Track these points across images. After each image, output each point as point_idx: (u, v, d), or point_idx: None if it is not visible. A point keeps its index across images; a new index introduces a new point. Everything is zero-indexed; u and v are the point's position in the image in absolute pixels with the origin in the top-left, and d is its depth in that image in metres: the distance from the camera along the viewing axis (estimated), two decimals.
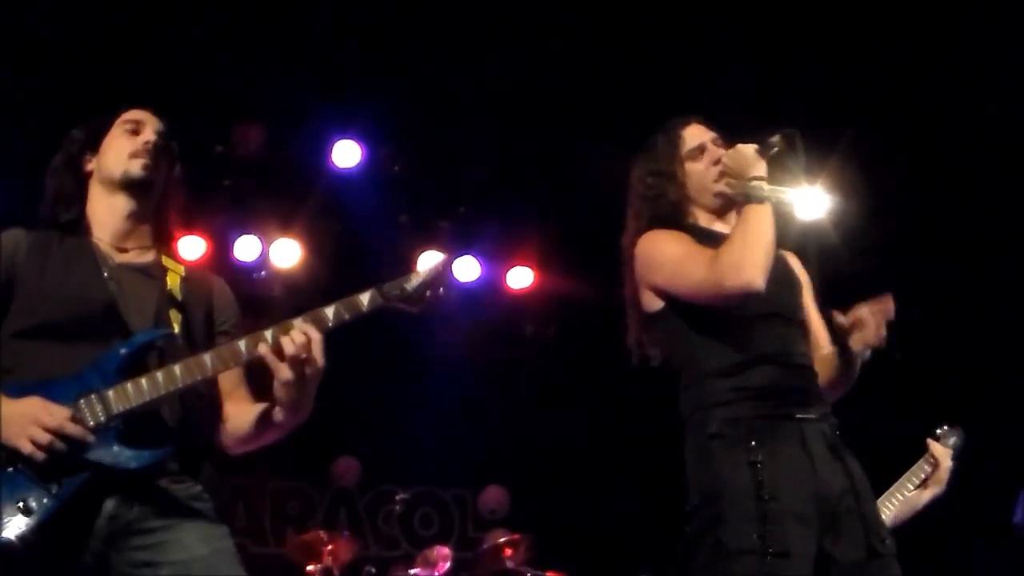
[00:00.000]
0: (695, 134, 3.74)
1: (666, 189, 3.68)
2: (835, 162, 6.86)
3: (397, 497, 7.85)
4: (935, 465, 5.48)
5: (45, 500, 2.84)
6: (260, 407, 3.20)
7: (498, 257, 8.59)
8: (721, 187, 3.62)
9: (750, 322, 3.46)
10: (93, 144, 3.35)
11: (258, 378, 3.18)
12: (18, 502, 2.82)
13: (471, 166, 8.07)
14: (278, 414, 3.09)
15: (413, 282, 3.10)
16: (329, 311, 3.04)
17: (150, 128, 3.34)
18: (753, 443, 3.29)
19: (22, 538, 2.79)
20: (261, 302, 7.77)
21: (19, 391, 2.93)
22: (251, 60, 6.74)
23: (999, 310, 7.72)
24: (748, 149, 3.51)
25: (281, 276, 8.04)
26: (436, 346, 8.47)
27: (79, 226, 3.29)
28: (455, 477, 9.56)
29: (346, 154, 7.76)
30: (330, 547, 7.17)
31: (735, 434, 3.34)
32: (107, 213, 3.30)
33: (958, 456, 5.49)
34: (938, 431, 5.58)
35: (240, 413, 3.24)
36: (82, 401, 2.92)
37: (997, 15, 6.35)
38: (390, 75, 7.04)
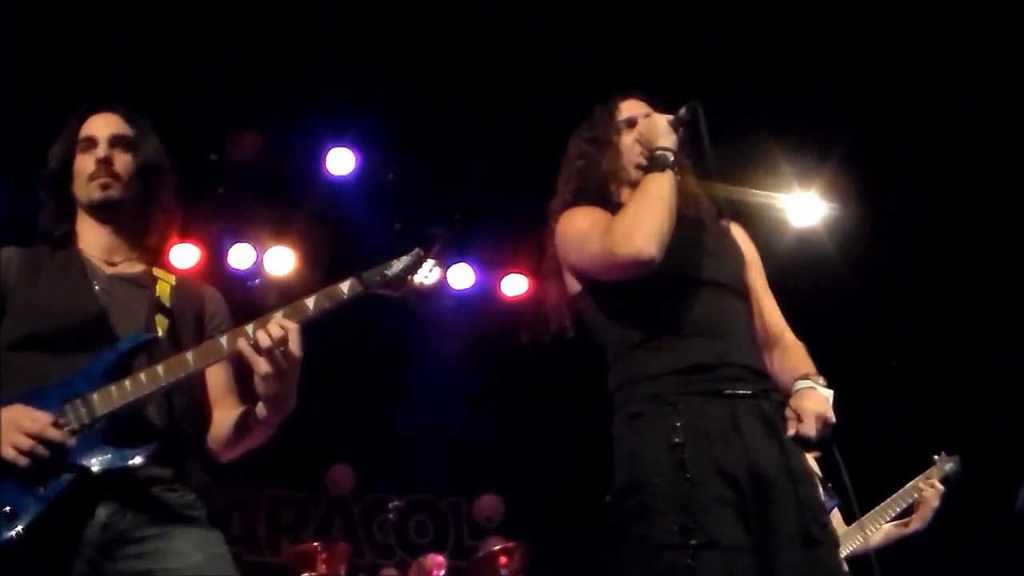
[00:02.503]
0: (630, 107, 3.68)
1: (598, 157, 3.63)
2: (831, 168, 6.88)
3: (391, 505, 7.84)
4: (922, 500, 5.46)
5: (31, 504, 2.82)
6: (244, 407, 3.20)
7: (493, 264, 8.59)
8: (640, 159, 3.53)
9: (678, 289, 3.36)
10: (69, 164, 3.31)
11: (248, 384, 3.16)
12: (5, 508, 2.81)
13: (465, 173, 8.06)
14: (261, 410, 3.09)
15: (394, 268, 3.13)
16: (310, 301, 3.05)
17: (103, 140, 3.29)
18: (677, 423, 3.14)
19: (10, 544, 2.78)
20: (255, 310, 7.75)
21: (8, 402, 2.92)
22: (245, 68, 6.73)
23: (1000, 313, 7.71)
24: (661, 120, 3.47)
25: (275, 284, 8.02)
26: (431, 354, 8.47)
27: (70, 241, 3.29)
28: (450, 485, 9.56)
29: (340, 162, 7.75)
30: (325, 556, 7.15)
31: (657, 412, 3.19)
32: (91, 231, 3.30)
33: (953, 483, 5.48)
34: (936, 457, 5.57)
35: (227, 417, 3.23)
36: (67, 405, 2.92)
37: (1002, 16, 6.34)
38: (383, 83, 7.03)
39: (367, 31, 6.74)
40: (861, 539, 5.34)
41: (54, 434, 2.86)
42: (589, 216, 3.48)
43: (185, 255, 7.40)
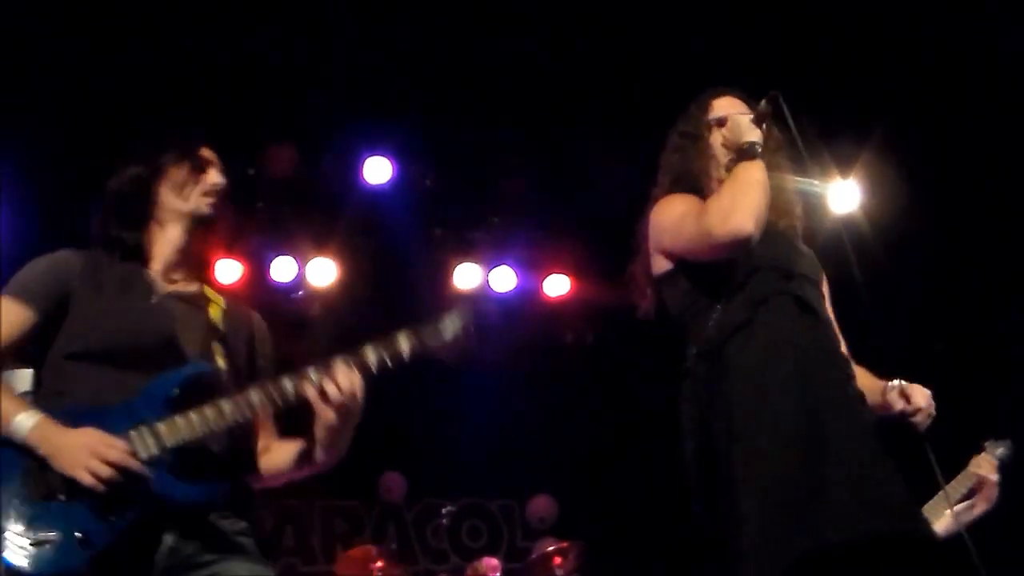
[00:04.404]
0: (723, 105, 3.76)
1: (690, 152, 3.72)
2: (869, 156, 6.85)
3: (444, 510, 7.86)
4: (981, 481, 5.39)
5: (103, 531, 2.87)
6: (297, 445, 3.28)
7: (534, 266, 8.58)
8: (728, 161, 3.63)
9: (764, 276, 3.43)
10: (161, 174, 3.33)
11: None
12: (77, 533, 2.85)
13: (502, 176, 8.07)
14: (319, 454, 3.18)
15: (448, 329, 3.24)
16: (372, 357, 3.09)
17: (218, 169, 3.37)
18: None
19: (83, 570, 2.82)
20: (299, 322, 7.81)
21: (71, 417, 2.96)
22: (278, 81, 6.77)
23: None
24: (743, 119, 3.58)
25: (318, 295, 8.06)
26: (476, 358, 8.46)
27: (137, 252, 3.30)
28: (501, 488, 9.55)
29: (377, 170, 7.77)
30: (379, 563, 7.16)
31: None
32: (162, 243, 3.32)
33: (1006, 468, 5.41)
34: (985, 443, 5.51)
35: (277, 449, 3.32)
36: (134, 433, 2.96)
37: None
38: (417, 90, 7.05)
39: (398, 38, 6.76)
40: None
41: (135, 465, 2.91)
42: (685, 202, 3.57)
43: (228, 270, 7.44)
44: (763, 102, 3.54)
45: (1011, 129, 6.93)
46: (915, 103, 6.94)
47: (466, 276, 8.30)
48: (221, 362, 3.21)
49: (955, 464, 5.53)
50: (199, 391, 3.08)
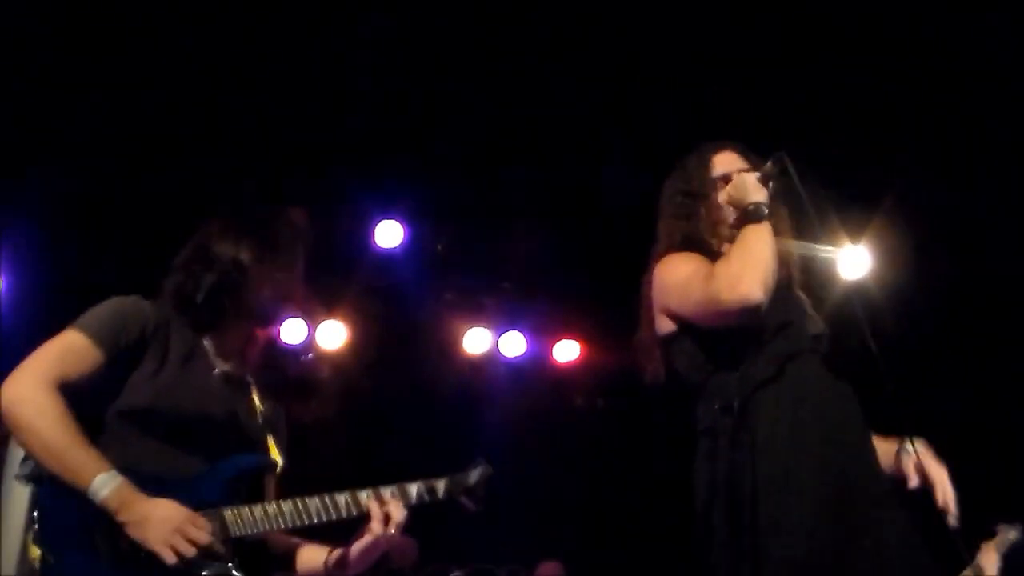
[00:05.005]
0: (723, 161, 3.70)
1: (696, 210, 3.64)
2: (879, 222, 6.84)
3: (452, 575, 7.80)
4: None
5: None
6: (335, 553, 3.28)
7: (544, 331, 8.58)
8: (732, 219, 3.57)
9: (769, 340, 3.39)
10: (263, 270, 3.23)
11: None
12: None
13: (514, 242, 8.08)
14: (351, 570, 3.24)
15: (472, 480, 3.52)
16: (413, 492, 3.30)
17: (300, 268, 3.36)
18: None
19: None
20: (308, 385, 7.78)
21: (141, 484, 2.90)
22: (290, 144, 6.80)
23: None
24: (749, 177, 3.51)
25: (328, 358, 8.05)
26: (485, 424, 8.45)
27: (208, 330, 3.24)
28: (509, 553, 9.48)
29: (389, 234, 7.79)
30: None
31: None
32: (232, 328, 3.26)
33: (1015, 552, 5.35)
34: (997, 528, 5.45)
35: (309, 552, 3.32)
36: (208, 518, 2.94)
37: None
38: (429, 154, 7.08)
39: (411, 103, 6.80)
40: None
41: (220, 550, 2.91)
42: (690, 262, 3.51)
43: None
44: (769, 163, 3.48)
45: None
46: (927, 168, 6.95)
47: (476, 341, 8.30)
48: (275, 455, 3.24)
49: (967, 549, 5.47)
50: (256, 481, 3.11)
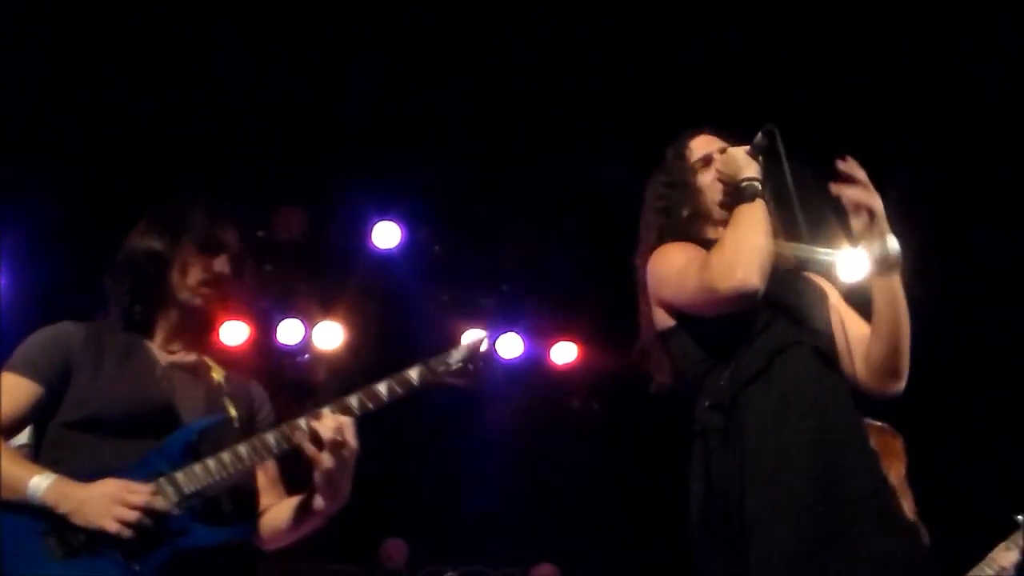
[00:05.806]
0: (702, 145, 3.61)
1: (680, 201, 3.55)
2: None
3: None
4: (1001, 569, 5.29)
5: None
6: (297, 498, 3.24)
7: (541, 333, 8.58)
8: (723, 197, 3.46)
9: (759, 332, 3.28)
10: (177, 254, 3.26)
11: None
12: None
13: (511, 244, 8.08)
14: (318, 501, 3.14)
15: (456, 356, 3.21)
16: (382, 387, 3.14)
17: (226, 254, 3.29)
18: None
19: None
20: (305, 385, 7.78)
21: (84, 478, 2.93)
22: (289, 146, 6.80)
23: None
24: (739, 152, 3.41)
25: (324, 359, 8.04)
26: (482, 425, 8.44)
27: (141, 326, 3.27)
28: (504, 555, 9.47)
29: (386, 235, 7.79)
30: None
31: None
32: (164, 319, 3.29)
33: None
34: (1020, 517, 5.41)
35: (279, 506, 3.29)
36: (153, 483, 2.95)
37: None
38: (427, 156, 7.08)
39: (409, 105, 6.80)
40: None
41: (160, 503, 2.91)
42: (683, 252, 3.40)
43: (234, 332, 7.41)
44: (759, 135, 3.39)
45: None
46: (928, 168, 6.94)
47: (470, 338, 8.28)
48: (232, 412, 3.21)
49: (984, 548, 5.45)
50: (216, 440, 3.09)
